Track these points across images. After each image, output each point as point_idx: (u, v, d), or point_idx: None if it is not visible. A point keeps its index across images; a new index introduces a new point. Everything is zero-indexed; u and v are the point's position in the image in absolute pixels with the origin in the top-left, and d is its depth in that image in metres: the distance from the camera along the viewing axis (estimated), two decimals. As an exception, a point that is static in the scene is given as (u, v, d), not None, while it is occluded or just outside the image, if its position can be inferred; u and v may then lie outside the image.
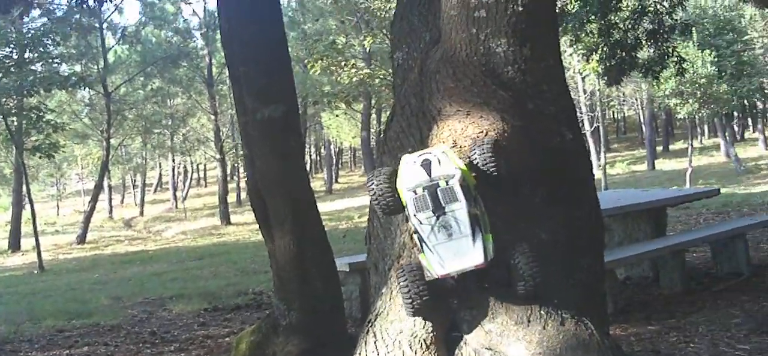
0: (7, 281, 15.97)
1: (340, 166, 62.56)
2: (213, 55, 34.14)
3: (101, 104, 33.92)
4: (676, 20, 10.54)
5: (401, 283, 3.15)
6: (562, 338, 3.17)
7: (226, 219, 32.67)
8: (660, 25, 10.16)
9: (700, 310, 6.27)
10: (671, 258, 7.16)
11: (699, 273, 8.09)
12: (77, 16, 26.95)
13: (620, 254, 6.87)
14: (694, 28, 24.75)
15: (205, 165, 60.95)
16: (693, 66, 26.62)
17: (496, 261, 3.08)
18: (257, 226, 5.70)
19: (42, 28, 23.53)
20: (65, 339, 7.72)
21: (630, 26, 10.10)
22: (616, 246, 7.83)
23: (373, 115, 36.92)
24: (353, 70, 22.33)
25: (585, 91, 36.02)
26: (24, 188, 20.62)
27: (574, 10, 10.38)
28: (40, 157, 23.43)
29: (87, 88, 30.42)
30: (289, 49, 6.20)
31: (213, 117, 35.37)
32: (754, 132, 52.35)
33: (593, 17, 10.13)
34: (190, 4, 60.76)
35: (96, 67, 32.31)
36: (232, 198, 42.21)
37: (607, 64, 10.34)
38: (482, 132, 3.46)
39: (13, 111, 22.13)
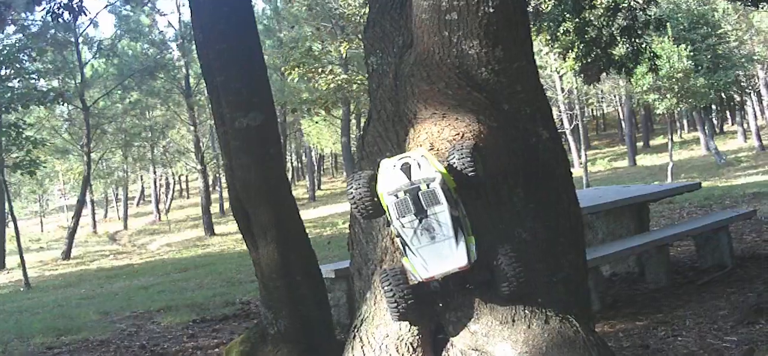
0: (-7, 300, 15.81)
1: (322, 172, 62.51)
2: (190, 65, 34.02)
3: (80, 118, 33.71)
4: (650, 16, 10.60)
5: (385, 288, 3.16)
6: (548, 336, 3.19)
7: (210, 230, 32.60)
8: (634, 20, 10.22)
9: (687, 304, 6.31)
10: (656, 253, 7.20)
11: (684, 267, 8.14)
12: (52, 31, 26.82)
13: (604, 251, 6.89)
14: (668, 23, 25.04)
15: (187, 176, 60.70)
16: (669, 61, 26.81)
17: (478, 262, 3.09)
18: (241, 236, 5.69)
19: (17, 44, 23.41)
20: (54, 356, 7.67)
21: (604, 23, 10.15)
22: (600, 244, 7.87)
23: (353, 121, 36.89)
24: (331, 76, 22.33)
25: (563, 90, 36.19)
26: (6, 205, 20.46)
27: (548, 10, 10.42)
28: (21, 174, 23.27)
29: (65, 103, 30.26)
30: (266, 58, 6.19)
31: (192, 128, 35.29)
32: (732, 125, 52.83)
33: (568, 16, 10.17)
34: (164, 15, 60.88)
35: (73, 81, 32.16)
36: (215, 208, 42.11)
37: (583, 62, 10.38)
38: (459, 134, 3.48)
39: (-9, 128, 22.03)
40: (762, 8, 12.61)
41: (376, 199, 3.22)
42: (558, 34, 10.52)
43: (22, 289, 17.60)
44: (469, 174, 3.22)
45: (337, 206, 35.56)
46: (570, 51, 10.73)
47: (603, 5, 10.09)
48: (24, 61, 22.70)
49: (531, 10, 9.79)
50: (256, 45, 5.48)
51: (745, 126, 43.96)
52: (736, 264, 7.66)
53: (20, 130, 22.24)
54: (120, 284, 15.83)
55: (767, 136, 39.52)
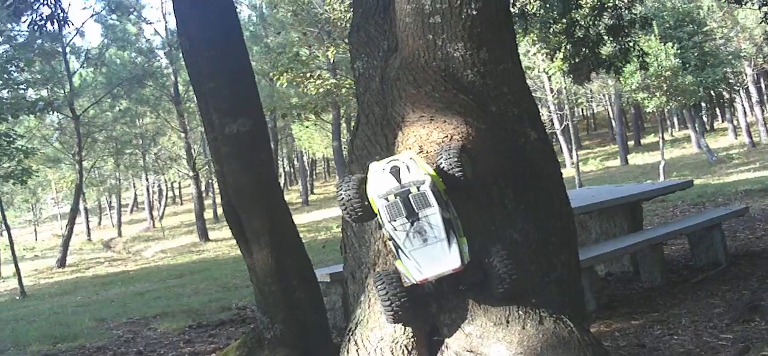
0: (-10, 308, 15.74)
1: (314, 176, 62.44)
2: (178, 73, 33.92)
3: (71, 127, 33.60)
4: (636, 14, 10.62)
5: (379, 290, 3.16)
6: (542, 337, 3.19)
7: (204, 236, 32.52)
8: (620, 19, 10.24)
9: (682, 302, 6.32)
10: (650, 252, 7.20)
11: (678, 265, 8.16)
12: (39, 41, 26.70)
13: (598, 250, 6.89)
14: (654, 22, 25.08)
15: (179, 183, 60.57)
16: (656, 59, 26.88)
17: (471, 263, 3.10)
18: (235, 241, 5.68)
19: (5, 55, 23.35)
20: (51, 364, 7.65)
21: (591, 22, 10.16)
22: (594, 243, 7.88)
23: (343, 124, 36.83)
24: (319, 81, 22.28)
25: (552, 90, 36.22)
26: (0, 215, 20.46)
27: (533, 11, 10.42)
28: (13, 184, 23.24)
29: (55, 112, 30.19)
30: (254, 63, 6.18)
31: (183, 134, 35.19)
32: (723, 122, 52.98)
33: (556, 16, 10.18)
34: (151, 24, 60.61)
35: (62, 90, 32.05)
36: (209, 214, 41.99)
37: (572, 62, 10.39)
38: (447, 136, 3.48)
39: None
40: (745, 4, 12.64)
41: (366, 202, 3.22)
42: (546, 34, 10.53)
43: (17, 298, 17.61)
44: (458, 175, 3.22)
45: (331, 210, 35.49)
46: (558, 51, 10.74)
47: (588, 5, 10.10)
48: (12, 72, 22.62)
49: (517, 11, 9.78)
50: (243, 51, 5.48)
51: (735, 123, 44.07)
52: (730, 261, 7.68)
53: (11, 139, 22.21)
54: (116, 291, 15.81)
55: (757, 132, 39.63)
